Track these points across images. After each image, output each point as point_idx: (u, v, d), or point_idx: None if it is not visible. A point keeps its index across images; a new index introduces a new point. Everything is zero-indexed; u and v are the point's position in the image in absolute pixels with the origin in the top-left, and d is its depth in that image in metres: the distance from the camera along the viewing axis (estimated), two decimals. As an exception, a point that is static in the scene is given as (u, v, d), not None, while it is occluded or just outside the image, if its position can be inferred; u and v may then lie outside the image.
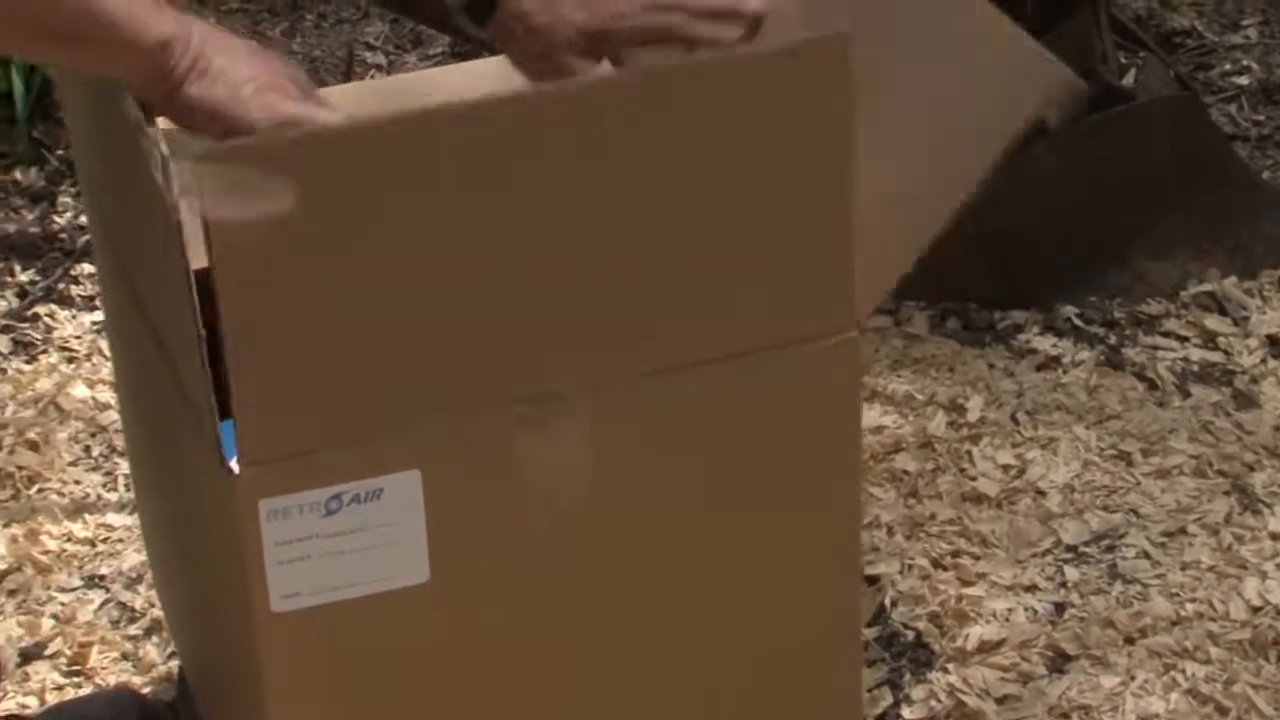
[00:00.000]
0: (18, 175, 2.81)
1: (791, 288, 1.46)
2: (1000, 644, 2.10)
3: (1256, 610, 2.12)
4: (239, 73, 1.41)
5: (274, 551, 1.36)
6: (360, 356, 1.35)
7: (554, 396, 1.41)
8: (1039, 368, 2.45)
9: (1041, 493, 2.28)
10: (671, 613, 1.53)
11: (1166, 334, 2.51)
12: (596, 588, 1.50)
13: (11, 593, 2.22)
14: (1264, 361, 2.46)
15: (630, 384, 1.44)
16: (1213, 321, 2.53)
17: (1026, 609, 2.14)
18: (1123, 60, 2.65)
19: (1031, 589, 2.17)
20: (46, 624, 2.17)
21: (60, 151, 2.83)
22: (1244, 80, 2.91)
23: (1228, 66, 2.93)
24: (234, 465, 1.34)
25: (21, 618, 2.19)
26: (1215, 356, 2.47)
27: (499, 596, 1.46)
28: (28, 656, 2.14)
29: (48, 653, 2.13)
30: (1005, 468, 2.31)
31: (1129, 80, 2.64)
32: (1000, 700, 2.04)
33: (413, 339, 1.36)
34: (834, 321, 1.48)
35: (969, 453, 2.34)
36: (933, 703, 2.04)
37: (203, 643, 1.77)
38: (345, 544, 1.39)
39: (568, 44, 1.58)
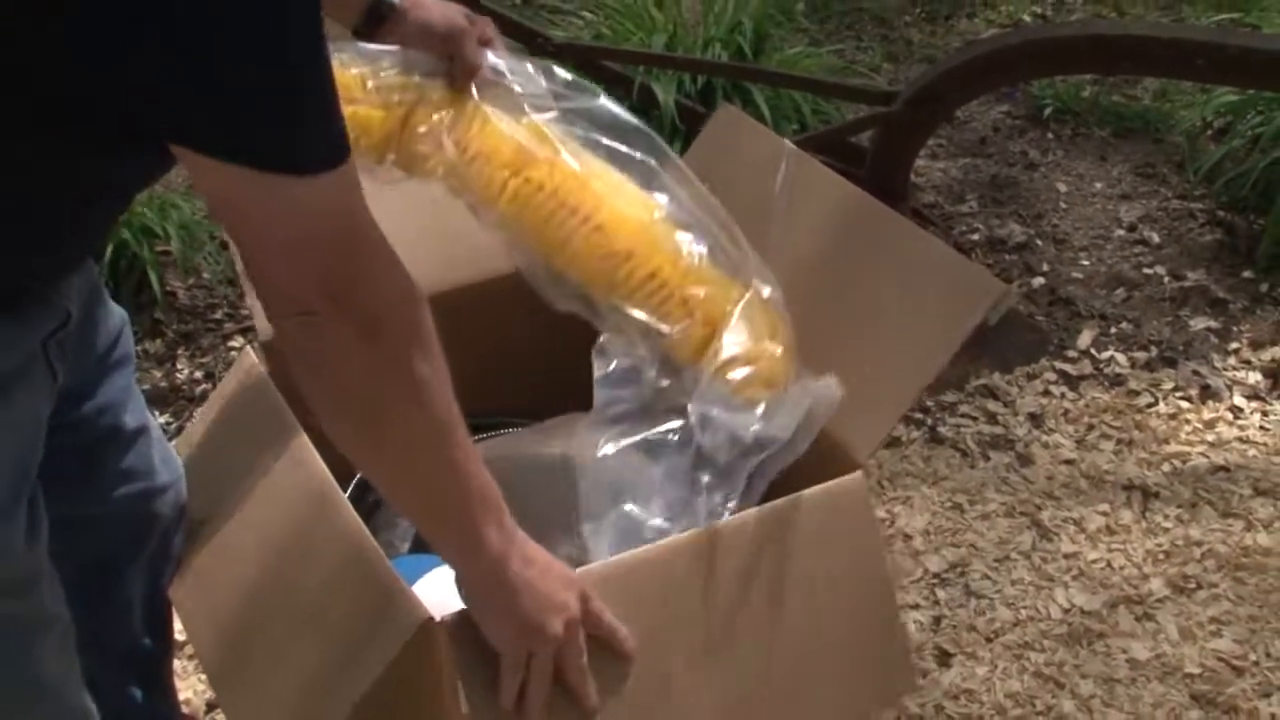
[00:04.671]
0: (145, 346, 2.53)
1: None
2: (904, 649, 1.96)
3: (1067, 611, 2.02)
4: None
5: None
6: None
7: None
8: (887, 447, 2.33)
9: (909, 536, 2.15)
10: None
11: (963, 415, 2.41)
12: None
13: (191, 656, 1.96)
14: (1030, 432, 2.37)
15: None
16: (991, 405, 2.43)
17: (915, 622, 2.00)
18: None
19: (915, 607, 2.03)
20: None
21: (175, 326, 2.57)
22: (975, 236, 2.83)
23: (963, 228, 2.85)
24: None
25: (203, 674, 1.93)
26: (998, 430, 2.37)
27: None
28: (212, 705, 1.88)
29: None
30: (880, 520, 2.18)
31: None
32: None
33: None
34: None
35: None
36: (865, 696, 1.89)
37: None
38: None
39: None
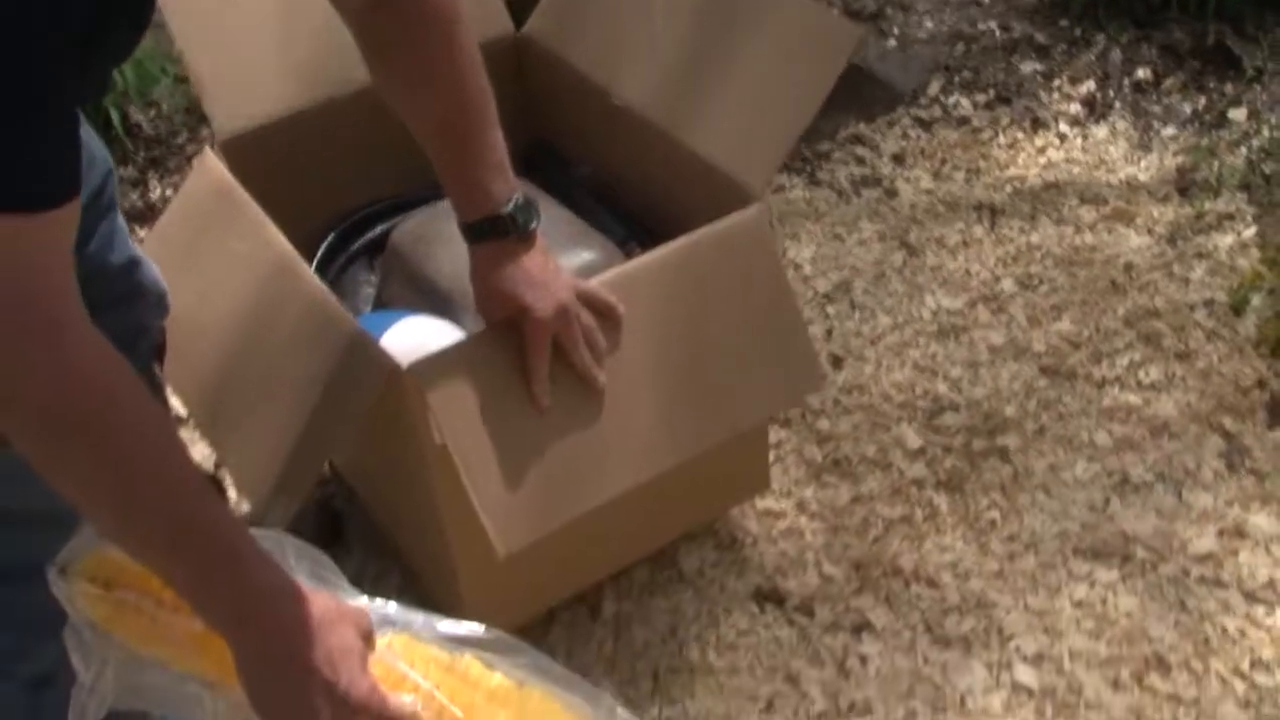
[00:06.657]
0: (120, 173, 2.54)
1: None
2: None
3: (935, 313, 2.18)
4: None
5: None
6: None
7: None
8: (775, 191, 2.43)
9: (799, 265, 2.30)
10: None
11: (837, 161, 2.53)
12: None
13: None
14: (893, 170, 2.50)
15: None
16: (860, 150, 2.55)
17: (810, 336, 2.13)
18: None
19: (810, 323, 2.18)
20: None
21: (143, 154, 2.57)
22: (834, 10, 2.87)
23: (825, 3, 2.89)
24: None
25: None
26: (867, 170, 2.50)
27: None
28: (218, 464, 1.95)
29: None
30: (776, 255, 2.28)
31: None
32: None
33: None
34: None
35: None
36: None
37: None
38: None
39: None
